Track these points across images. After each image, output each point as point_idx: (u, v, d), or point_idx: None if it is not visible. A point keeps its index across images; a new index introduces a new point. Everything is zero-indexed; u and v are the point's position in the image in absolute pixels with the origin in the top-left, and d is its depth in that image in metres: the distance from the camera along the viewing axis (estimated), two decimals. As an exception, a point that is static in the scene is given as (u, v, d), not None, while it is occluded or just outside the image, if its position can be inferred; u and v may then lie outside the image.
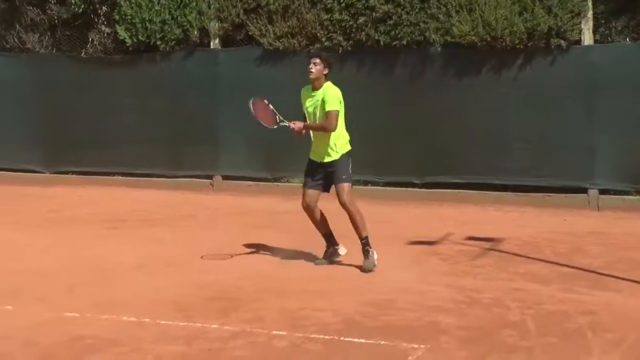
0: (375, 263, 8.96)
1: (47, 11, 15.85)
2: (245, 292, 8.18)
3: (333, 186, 9.11)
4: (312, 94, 9.06)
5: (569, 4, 12.43)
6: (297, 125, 9.05)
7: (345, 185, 8.95)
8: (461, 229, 11.01)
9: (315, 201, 9.15)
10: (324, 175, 9.11)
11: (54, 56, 16.15)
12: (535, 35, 12.56)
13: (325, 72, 9.00)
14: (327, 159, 9.03)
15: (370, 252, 8.99)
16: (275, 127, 9.22)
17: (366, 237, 8.99)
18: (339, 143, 9.06)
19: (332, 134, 8.95)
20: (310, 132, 9.13)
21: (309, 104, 9.09)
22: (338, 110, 8.94)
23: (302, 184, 9.38)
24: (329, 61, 9.09)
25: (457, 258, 9.55)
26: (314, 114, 9.04)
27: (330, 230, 9.31)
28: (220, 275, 8.86)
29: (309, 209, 9.18)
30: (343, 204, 8.93)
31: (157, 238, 10.85)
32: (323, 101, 8.92)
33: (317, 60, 8.97)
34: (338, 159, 9.02)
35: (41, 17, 15.96)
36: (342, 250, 9.32)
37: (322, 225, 9.29)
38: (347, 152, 9.08)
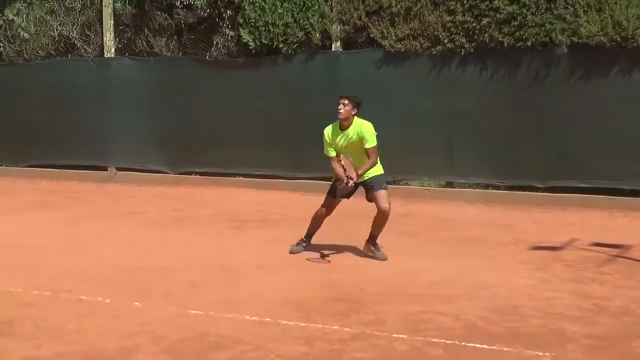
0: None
1: (174, 16, 16.14)
2: (367, 294, 8.17)
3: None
4: (342, 132, 9.51)
5: None
6: (354, 175, 9.37)
7: (386, 192, 9.57)
8: (586, 235, 10.77)
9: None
10: (353, 190, 9.66)
11: (180, 59, 16.43)
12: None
13: (354, 112, 9.46)
14: (366, 177, 9.59)
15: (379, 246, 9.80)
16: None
17: (377, 235, 9.77)
18: (379, 165, 9.68)
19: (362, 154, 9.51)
20: (347, 159, 9.46)
21: (341, 141, 9.53)
22: (376, 145, 9.49)
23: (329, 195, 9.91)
24: (357, 101, 9.45)
25: (582, 264, 9.34)
26: (346, 147, 9.50)
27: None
28: (342, 277, 8.88)
29: (327, 215, 9.93)
30: (386, 209, 9.52)
31: (278, 238, 10.93)
32: (360, 138, 9.43)
33: (346, 102, 9.40)
34: (378, 175, 9.64)
35: (168, 21, 16.26)
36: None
37: (319, 226, 10.05)
38: (382, 173, 9.74)
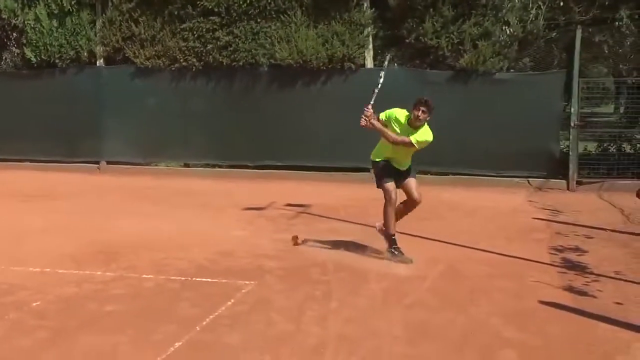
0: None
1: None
2: (122, 247, 7.95)
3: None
4: (409, 128, 7.21)
5: None
6: (370, 113, 7.31)
7: (416, 180, 7.38)
8: (282, 199, 11.02)
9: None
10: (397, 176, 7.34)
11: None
12: None
13: (428, 119, 7.20)
14: (406, 167, 7.36)
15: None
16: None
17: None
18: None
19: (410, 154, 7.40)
20: (390, 147, 7.35)
21: (401, 129, 7.27)
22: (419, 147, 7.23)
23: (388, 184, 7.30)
24: (432, 107, 7.16)
25: (278, 219, 9.60)
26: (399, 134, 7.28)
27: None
28: (106, 235, 8.57)
29: (395, 203, 7.38)
30: (417, 198, 7.32)
31: (57, 208, 10.47)
32: (417, 133, 7.20)
33: (426, 109, 7.11)
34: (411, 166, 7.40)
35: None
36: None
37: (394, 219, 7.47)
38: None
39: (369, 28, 12.97)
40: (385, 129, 7.27)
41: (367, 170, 12.93)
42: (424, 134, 7.20)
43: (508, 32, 12.44)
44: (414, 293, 6.25)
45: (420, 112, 7.10)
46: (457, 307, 5.90)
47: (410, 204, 7.42)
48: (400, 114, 7.32)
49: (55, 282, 6.57)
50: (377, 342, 5.13)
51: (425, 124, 7.23)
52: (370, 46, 13.04)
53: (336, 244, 7.92)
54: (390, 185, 7.27)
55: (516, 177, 12.52)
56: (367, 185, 12.40)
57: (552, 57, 12.67)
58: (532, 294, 6.24)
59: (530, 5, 12.51)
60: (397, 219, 7.42)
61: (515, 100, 12.41)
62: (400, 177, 7.36)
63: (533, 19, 12.45)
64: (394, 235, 7.41)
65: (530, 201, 11.18)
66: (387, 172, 7.34)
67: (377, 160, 7.49)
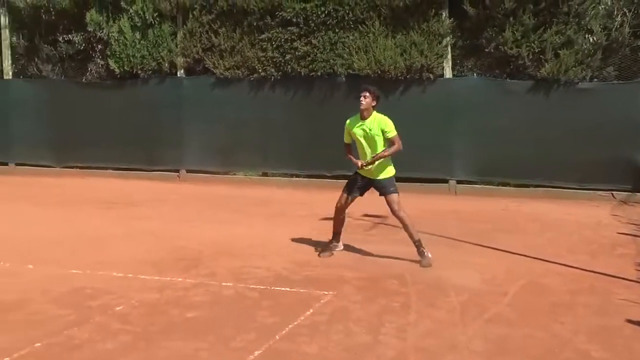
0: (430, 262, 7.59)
1: (58, 48, 15.54)
2: (203, 254, 8.13)
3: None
4: (361, 121, 7.70)
5: None
6: (360, 162, 7.71)
7: (395, 196, 7.67)
8: (358, 209, 10.86)
9: (348, 206, 8.03)
10: (365, 189, 7.97)
11: (63, 81, 15.80)
12: None
13: (374, 104, 7.65)
14: (379, 177, 7.76)
15: (425, 252, 7.66)
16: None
17: (418, 240, 7.69)
18: (390, 166, 7.84)
19: (388, 158, 7.75)
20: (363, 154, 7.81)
21: (359, 129, 7.73)
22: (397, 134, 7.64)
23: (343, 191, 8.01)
24: (377, 94, 7.67)
25: (355, 229, 9.51)
26: (365, 138, 7.72)
27: (341, 230, 8.21)
28: (186, 243, 8.76)
29: (342, 209, 8.02)
30: (396, 212, 7.66)
31: (138, 215, 10.74)
32: (379, 129, 7.61)
33: (367, 94, 7.62)
34: (387, 178, 7.78)
35: (53, 52, 15.64)
36: (340, 247, 8.26)
37: (340, 223, 8.14)
38: (394, 175, 7.86)
39: (448, 38, 12.86)
40: (382, 153, 7.63)
41: (445, 181, 12.93)
42: (381, 121, 7.61)
43: (591, 40, 12.12)
44: (494, 307, 6.15)
45: (362, 97, 7.59)
46: (538, 322, 5.77)
47: (398, 220, 7.75)
48: (351, 118, 7.88)
49: (137, 288, 6.75)
50: (456, 356, 5.07)
51: (374, 111, 7.65)
52: (449, 56, 12.92)
53: (414, 256, 7.85)
54: (342, 195, 7.97)
55: (599, 190, 12.17)
56: (445, 196, 12.51)
57: (638, 65, 12.25)
58: (618, 311, 6.05)
59: (615, 12, 12.18)
60: (411, 238, 7.68)
61: (598, 111, 12.07)
62: (366, 187, 7.91)
63: (618, 26, 12.11)
64: (332, 240, 8.15)
65: (614, 215, 10.83)
66: (350, 184, 8.02)
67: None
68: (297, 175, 14.12)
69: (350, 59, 13.23)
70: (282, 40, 13.64)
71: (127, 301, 6.30)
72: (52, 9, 15.33)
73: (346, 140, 7.99)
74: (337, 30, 13.32)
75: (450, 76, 12.96)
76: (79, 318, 5.86)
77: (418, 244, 7.68)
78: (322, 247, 8.25)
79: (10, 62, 16.18)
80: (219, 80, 14.34)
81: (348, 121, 7.91)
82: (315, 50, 13.44)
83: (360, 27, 13.19)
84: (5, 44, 16.13)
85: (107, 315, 5.92)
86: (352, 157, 7.85)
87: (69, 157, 15.76)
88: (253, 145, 14.23)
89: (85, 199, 12.48)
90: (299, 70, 13.60)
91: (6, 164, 16.31)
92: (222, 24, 14.16)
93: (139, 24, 14.73)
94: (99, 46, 15.16)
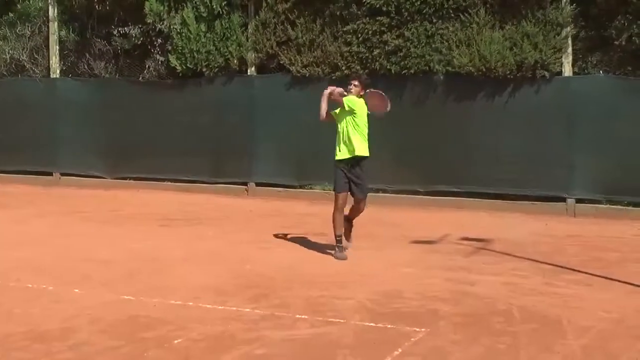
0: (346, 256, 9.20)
1: (112, 43, 16.02)
2: (274, 281, 8.19)
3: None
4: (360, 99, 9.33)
5: None
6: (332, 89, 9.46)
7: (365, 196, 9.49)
8: (457, 231, 10.91)
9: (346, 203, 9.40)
10: (351, 178, 9.35)
11: (117, 80, 16.28)
12: None
13: (362, 93, 9.34)
14: (364, 153, 9.36)
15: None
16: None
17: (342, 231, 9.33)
18: (366, 146, 9.42)
19: (364, 139, 9.38)
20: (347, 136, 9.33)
21: (345, 113, 9.32)
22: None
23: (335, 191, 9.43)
24: (366, 82, 9.51)
25: (453, 255, 9.49)
26: (352, 120, 9.26)
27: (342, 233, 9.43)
28: (254, 267, 8.88)
29: (342, 210, 9.37)
30: (361, 210, 9.40)
31: (200, 234, 10.94)
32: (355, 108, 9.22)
33: (356, 82, 9.37)
34: (367, 158, 9.44)
35: (107, 47, 16.15)
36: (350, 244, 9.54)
37: (341, 225, 9.40)
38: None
39: (568, 28, 12.65)
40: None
41: (562, 199, 12.68)
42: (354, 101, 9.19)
43: None
44: (624, 354, 5.96)
45: (352, 86, 9.27)
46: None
47: (355, 208, 9.43)
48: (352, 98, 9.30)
49: (198, 318, 6.84)
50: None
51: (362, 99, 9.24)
52: (569, 50, 12.70)
53: (522, 288, 7.73)
54: (336, 197, 9.30)
55: None
56: (562, 217, 12.29)
57: None
58: None
59: None
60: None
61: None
62: (355, 177, 9.32)
63: None
64: (338, 245, 9.29)
65: None
66: (338, 179, 9.31)
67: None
68: (384, 191, 14.07)
69: (450, 55, 13.15)
70: (370, 32, 13.68)
71: (186, 333, 6.39)
72: (106, -1, 15.83)
73: (333, 113, 9.47)
74: (434, 20, 13.28)
75: (571, 74, 12.75)
76: (133, 351, 5.98)
77: (342, 236, 9.27)
78: (335, 251, 9.30)
79: (58, 58, 16.73)
80: (295, 79, 14.47)
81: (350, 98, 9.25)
82: (409, 44, 13.41)
83: (461, 16, 13.12)
84: (54, 38, 16.68)
85: (163, 349, 6.02)
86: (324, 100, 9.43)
87: (121, 166, 16.20)
88: (333, 155, 14.24)
89: (140, 214, 12.79)
90: (388, 67, 13.59)
91: (50, 174, 16.85)
92: (300, 13, 14.33)
93: (204, 15, 15.02)
94: (159, 40, 15.52)
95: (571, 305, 7.26)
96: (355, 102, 9.23)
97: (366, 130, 9.32)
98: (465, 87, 13.23)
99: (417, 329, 6.48)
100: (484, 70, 12.89)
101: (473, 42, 12.97)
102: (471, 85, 13.15)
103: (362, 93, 9.32)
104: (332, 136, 14.03)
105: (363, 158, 9.35)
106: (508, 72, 12.80)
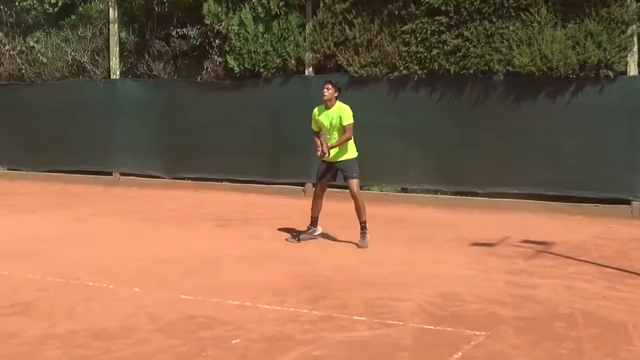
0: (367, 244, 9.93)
1: (171, 44, 16.16)
2: (332, 282, 8.20)
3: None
4: (326, 111, 9.98)
5: None
6: (325, 149, 9.89)
7: (355, 181, 9.99)
8: (518, 233, 10.75)
9: (324, 191, 10.35)
10: (333, 173, 10.18)
11: (175, 81, 16.44)
12: None
13: (336, 95, 10.02)
14: (340, 159, 10.00)
15: (366, 234, 10.04)
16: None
17: (364, 222, 10.04)
18: (351, 148, 10.06)
19: (349, 141, 9.98)
20: (324, 137, 9.96)
21: (324, 119, 9.97)
22: (352, 123, 9.88)
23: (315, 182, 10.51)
24: (338, 86, 10.13)
25: (514, 258, 9.38)
26: (330, 125, 9.93)
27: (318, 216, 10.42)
28: (312, 267, 8.91)
29: (319, 196, 10.31)
30: (354, 195, 9.97)
31: (257, 234, 11.00)
32: (339, 117, 9.84)
33: (330, 86, 10.01)
34: (349, 160, 10.01)
35: (166, 49, 16.27)
36: (319, 231, 10.49)
37: (317, 209, 10.39)
38: (356, 157, 10.09)
39: (634, 26, 12.41)
40: (337, 141, 9.88)
41: (626, 202, 12.44)
42: (342, 109, 9.88)
43: None
44: (692, 359, 5.82)
45: (325, 89, 9.92)
46: None
47: (354, 202, 10.06)
48: (317, 108, 10.16)
49: (255, 318, 6.87)
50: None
51: (337, 101, 9.96)
52: (635, 48, 12.45)
53: (585, 292, 7.63)
54: (316, 183, 10.36)
55: None
56: (627, 220, 12.06)
57: None
58: None
59: None
60: (360, 218, 10.08)
61: None
62: (335, 174, 10.16)
63: None
64: (310, 226, 10.39)
65: None
66: (319, 173, 10.22)
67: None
68: (443, 192, 13.99)
69: (510, 54, 12.99)
70: (428, 32, 13.58)
71: (244, 334, 6.42)
72: (165, 0, 15.98)
73: (314, 128, 10.20)
74: (494, 19, 13.13)
75: (636, 73, 12.49)
76: (191, 350, 6.03)
77: (363, 225, 10.02)
78: (301, 232, 10.42)
79: (118, 59, 16.98)
80: (353, 79, 14.43)
81: (315, 110, 10.17)
82: (468, 44, 13.29)
83: (522, 15, 12.95)
84: (114, 39, 16.92)
85: (221, 349, 6.06)
86: (319, 140, 9.93)
87: (180, 167, 16.35)
88: (391, 155, 14.23)
89: (198, 214, 12.90)
90: (447, 67, 13.49)
91: (110, 174, 17.09)
92: (357, 13, 14.29)
93: (262, 15, 15.10)
94: (217, 41, 15.63)
95: (636, 310, 7.13)
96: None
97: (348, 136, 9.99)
98: (525, 88, 13.07)
99: (477, 333, 6.42)
100: (545, 70, 12.71)
101: (534, 41, 12.80)
102: (532, 86, 12.98)
103: (336, 95, 9.99)
104: (382, 139, 14.14)
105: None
106: (570, 71, 12.60)
